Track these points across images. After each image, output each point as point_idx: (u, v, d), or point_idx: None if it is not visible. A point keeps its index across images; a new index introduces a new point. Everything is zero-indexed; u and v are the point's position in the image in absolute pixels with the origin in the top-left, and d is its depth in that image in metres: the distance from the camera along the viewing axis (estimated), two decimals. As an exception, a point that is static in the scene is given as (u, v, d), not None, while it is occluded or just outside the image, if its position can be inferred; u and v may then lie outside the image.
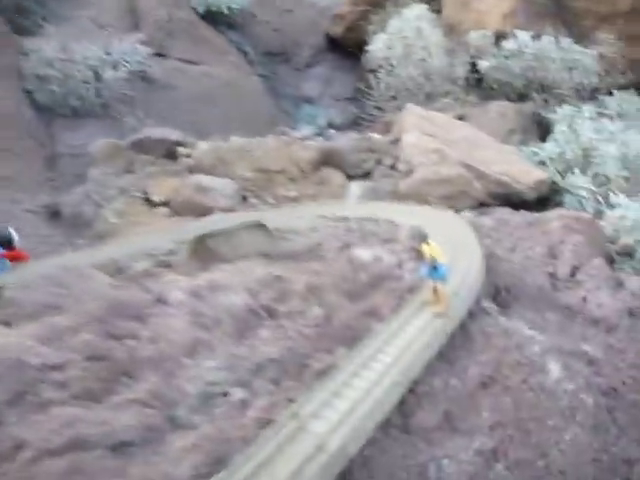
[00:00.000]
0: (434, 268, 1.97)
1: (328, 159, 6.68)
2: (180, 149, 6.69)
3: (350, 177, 6.36)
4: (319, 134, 7.30)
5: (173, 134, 6.93)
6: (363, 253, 2.64)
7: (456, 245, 2.75)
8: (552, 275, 3.04)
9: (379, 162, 6.76)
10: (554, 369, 2.01)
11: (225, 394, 1.58)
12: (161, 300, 2.07)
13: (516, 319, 2.27)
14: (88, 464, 1.28)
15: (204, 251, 3.37)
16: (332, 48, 11.41)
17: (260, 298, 2.11)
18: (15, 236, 3.37)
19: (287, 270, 2.45)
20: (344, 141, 7.09)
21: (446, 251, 2.12)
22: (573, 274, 3.39)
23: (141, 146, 6.62)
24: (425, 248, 1.96)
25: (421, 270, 2.00)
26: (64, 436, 1.33)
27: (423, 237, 2.71)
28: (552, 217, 4.47)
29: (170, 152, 6.64)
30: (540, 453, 1.66)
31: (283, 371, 1.72)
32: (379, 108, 9.15)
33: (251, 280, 2.25)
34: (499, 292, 2.58)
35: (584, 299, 3.17)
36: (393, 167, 6.53)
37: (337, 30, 11.09)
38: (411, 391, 1.69)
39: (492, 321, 2.15)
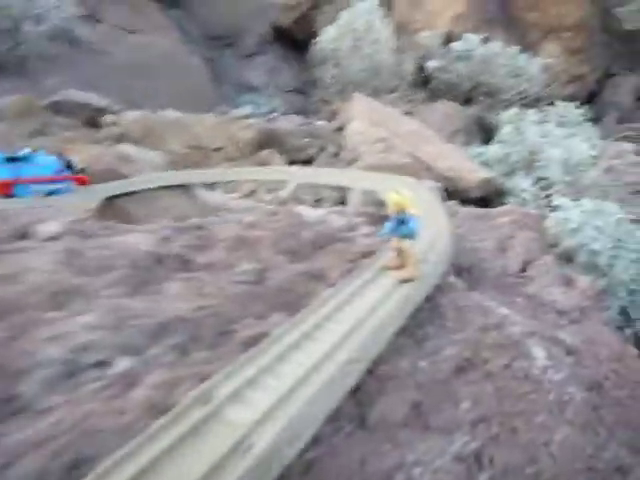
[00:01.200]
0: (401, 222, 1.51)
1: (269, 141, 6.20)
2: (106, 116, 5.97)
3: (292, 162, 5.91)
4: (261, 116, 6.82)
5: (98, 100, 6.20)
6: (307, 212, 2.13)
7: (422, 210, 2.34)
8: (503, 268, 2.70)
9: (323, 149, 6.35)
10: (539, 355, 1.62)
11: (102, 363, 1.05)
12: (27, 234, 1.49)
13: (488, 298, 1.88)
14: None
15: (112, 211, 2.80)
16: (279, 38, 10.92)
17: (172, 245, 1.56)
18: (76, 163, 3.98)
19: (212, 222, 1.92)
20: (287, 125, 6.63)
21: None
22: (524, 269, 3.09)
23: (60, 108, 5.83)
24: (392, 197, 1.49)
25: (385, 226, 1.52)
26: None
27: (380, 202, 2.30)
28: (501, 212, 4.22)
29: (93, 118, 5.90)
30: (529, 458, 1.25)
31: (195, 337, 1.19)
32: (325, 100, 8.79)
33: (161, 227, 1.71)
34: (462, 271, 2.19)
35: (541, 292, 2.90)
36: (337, 155, 6.13)
37: (285, 20, 10.62)
38: (370, 373, 1.23)
39: (464, 296, 1.74)
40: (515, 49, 7.78)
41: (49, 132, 5.36)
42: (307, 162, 5.97)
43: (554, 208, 5.55)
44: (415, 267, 1.46)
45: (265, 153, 5.68)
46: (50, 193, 3.71)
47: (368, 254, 1.70)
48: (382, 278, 1.51)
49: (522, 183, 5.92)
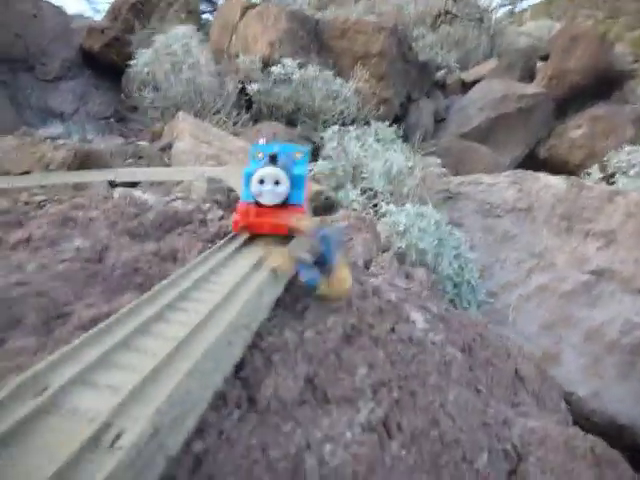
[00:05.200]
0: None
1: (87, 162, 5.50)
2: None
3: (114, 183, 5.34)
4: (73, 135, 6.12)
5: None
6: (146, 196, 1.82)
7: None
8: (354, 267, 2.70)
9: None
10: (418, 319, 1.54)
11: None
12: None
13: (357, 274, 1.78)
14: None
15: None
16: (88, 62, 10.02)
17: None
18: None
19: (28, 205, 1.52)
20: (106, 145, 6.04)
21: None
22: (367, 267, 3.18)
23: None
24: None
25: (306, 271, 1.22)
26: None
27: (224, 187, 2.13)
28: (338, 217, 4.30)
29: None
30: (431, 420, 1.12)
31: (13, 320, 0.84)
32: (145, 125, 8.29)
33: None
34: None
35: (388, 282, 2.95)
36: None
37: (94, 44, 9.79)
38: (254, 347, 1.01)
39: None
40: (329, 73, 8.21)
41: None
42: (132, 184, 5.46)
43: (382, 215, 5.87)
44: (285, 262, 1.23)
45: (83, 175, 5.04)
46: None
47: (225, 234, 1.49)
48: (250, 253, 1.30)
49: (350, 194, 6.15)
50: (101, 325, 0.79)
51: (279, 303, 1.22)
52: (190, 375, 0.72)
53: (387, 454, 0.97)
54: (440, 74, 10.26)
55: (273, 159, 1.23)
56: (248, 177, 1.25)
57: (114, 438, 0.55)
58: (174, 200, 1.68)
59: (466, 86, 9.85)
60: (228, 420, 0.83)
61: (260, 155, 1.37)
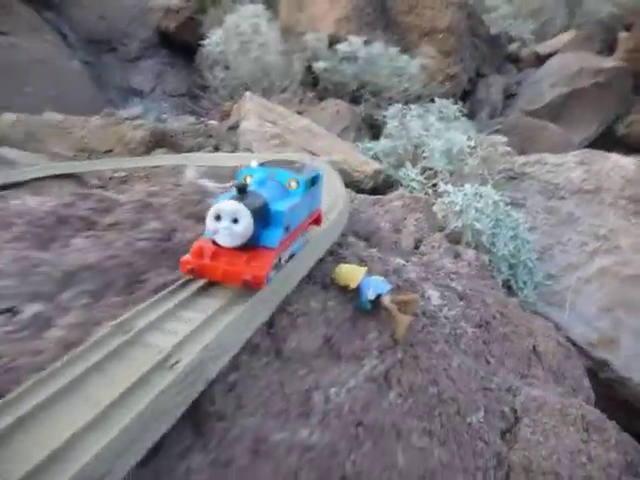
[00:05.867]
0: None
1: (161, 141, 6.02)
2: (-23, 120, 5.51)
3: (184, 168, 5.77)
4: (151, 117, 6.65)
5: (-36, 102, 5.70)
6: (209, 184, 2.14)
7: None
8: (398, 243, 2.91)
9: (217, 147, 6.32)
10: (433, 295, 1.78)
11: (11, 310, 1.02)
12: None
13: (386, 255, 2.02)
14: None
15: None
16: (164, 42, 10.60)
17: (75, 209, 1.51)
18: None
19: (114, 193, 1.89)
20: (179, 125, 6.52)
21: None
22: (417, 246, 3.36)
23: None
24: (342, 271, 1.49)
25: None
26: None
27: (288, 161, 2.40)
28: (392, 197, 4.50)
29: (-40, 122, 5.43)
30: (431, 380, 1.37)
31: (107, 284, 1.18)
32: (216, 103, 8.72)
33: (62, 194, 1.66)
34: (360, 237, 2.33)
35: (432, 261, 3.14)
36: (232, 152, 6.15)
37: (169, 24, 10.33)
38: (283, 311, 1.30)
39: (364, 250, 1.86)
40: (395, 50, 8.26)
41: None
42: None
43: (440, 194, 5.98)
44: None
45: (158, 153, 5.54)
46: None
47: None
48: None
49: (410, 173, 6.29)
50: (169, 288, 1.10)
51: (311, 277, 1.50)
52: (228, 327, 1.01)
53: (384, 400, 1.24)
54: (513, 47, 9.98)
55: (241, 191, 1.04)
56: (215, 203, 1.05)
57: (173, 363, 0.85)
58: (232, 187, 1.98)
59: (541, 60, 9.53)
60: (257, 363, 1.13)
61: (248, 179, 1.18)
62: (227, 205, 1.00)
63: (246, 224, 1.00)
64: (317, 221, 1.52)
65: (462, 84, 8.34)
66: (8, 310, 0.97)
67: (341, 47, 8.08)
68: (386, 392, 1.25)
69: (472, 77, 8.50)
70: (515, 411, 1.63)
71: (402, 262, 1.96)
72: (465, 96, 8.34)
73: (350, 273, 1.46)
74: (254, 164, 1.26)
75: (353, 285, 1.44)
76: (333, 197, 1.95)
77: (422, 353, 1.43)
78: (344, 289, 1.46)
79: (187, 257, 1.08)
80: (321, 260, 1.59)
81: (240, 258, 1.04)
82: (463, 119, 7.44)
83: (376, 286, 1.40)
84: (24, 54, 7.95)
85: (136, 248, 1.30)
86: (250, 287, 1.04)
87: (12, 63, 7.61)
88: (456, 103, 7.60)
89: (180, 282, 1.14)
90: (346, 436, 1.07)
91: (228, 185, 2.12)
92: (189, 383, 0.85)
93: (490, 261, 4.42)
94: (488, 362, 1.72)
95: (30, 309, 0.97)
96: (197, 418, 0.91)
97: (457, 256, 3.95)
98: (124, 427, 0.73)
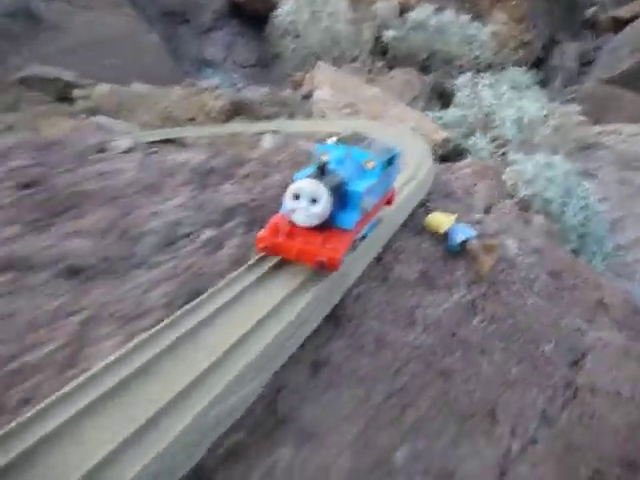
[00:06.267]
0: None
1: (240, 110, 6.38)
2: (76, 91, 6.07)
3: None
4: (229, 86, 7.02)
5: (65, 74, 6.27)
6: (308, 145, 2.49)
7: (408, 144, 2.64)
8: (470, 206, 3.11)
9: (292, 116, 6.64)
10: (511, 245, 2.01)
11: (192, 233, 1.35)
12: (104, 149, 1.76)
13: (468, 210, 2.26)
14: (32, 286, 1.00)
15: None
16: (235, 13, 10.94)
17: (216, 162, 1.86)
18: None
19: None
20: (255, 94, 6.88)
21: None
22: (487, 211, 3.53)
23: (30, 84, 5.86)
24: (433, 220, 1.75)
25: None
26: (-2, 254, 1.03)
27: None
28: (464, 165, 4.66)
29: (64, 93, 5.99)
30: (509, 312, 1.62)
31: (254, 219, 1.51)
32: (287, 72, 8.99)
33: (200, 151, 2.01)
34: (441, 196, 2.57)
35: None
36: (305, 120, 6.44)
37: (241, -5, 10.72)
38: (388, 248, 1.58)
39: (446, 204, 2.13)
40: (466, 18, 8.20)
41: (21, 108, 5.42)
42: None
43: (510, 163, 6.05)
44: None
45: (237, 121, 5.90)
46: None
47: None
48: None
49: (480, 142, 6.37)
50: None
51: (406, 225, 1.77)
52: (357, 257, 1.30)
53: (470, 322, 1.51)
54: (590, 12, 9.62)
55: (321, 169, 1.01)
56: (294, 182, 1.03)
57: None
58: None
59: (620, 25, 9.15)
60: (371, 285, 1.42)
61: (325, 157, 1.12)
62: (307, 185, 0.98)
63: (324, 205, 0.98)
64: (389, 201, 1.52)
65: (535, 51, 8.20)
66: (190, 234, 1.30)
67: (411, 15, 8.11)
68: (472, 317, 1.51)
69: (546, 44, 8.33)
70: (582, 347, 1.85)
71: (483, 216, 2.19)
72: (538, 64, 8.20)
73: (440, 220, 1.72)
74: (331, 141, 1.23)
75: (442, 231, 1.70)
76: (420, 157, 2.19)
77: (502, 290, 1.68)
78: (435, 234, 1.72)
79: (262, 234, 1.07)
80: (413, 213, 1.86)
81: (316, 238, 1.02)
82: (535, 87, 7.36)
83: (464, 231, 1.66)
84: (108, 28, 8.47)
85: (267, 195, 1.61)
86: (324, 268, 1.03)
87: (97, 37, 8.14)
88: (528, 71, 7.52)
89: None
90: (443, 343, 1.35)
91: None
92: (330, 296, 1.14)
93: (559, 230, 4.51)
94: (558, 306, 1.95)
95: (205, 234, 1.29)
96: (335, 318, 1.21)
97: (527, 222, 4.09)
98: (289, 322, 0.97)
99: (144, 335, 0.88)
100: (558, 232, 4.50)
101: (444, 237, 1.73)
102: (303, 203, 0.99)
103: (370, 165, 1.18)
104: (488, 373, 1.41)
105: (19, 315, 0.92)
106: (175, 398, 0.77)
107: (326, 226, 1.03)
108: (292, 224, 1.03)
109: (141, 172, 1.55)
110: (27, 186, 1.31)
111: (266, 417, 0.92)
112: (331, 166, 1.06)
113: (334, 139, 1.24)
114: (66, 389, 0.75)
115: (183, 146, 2.48)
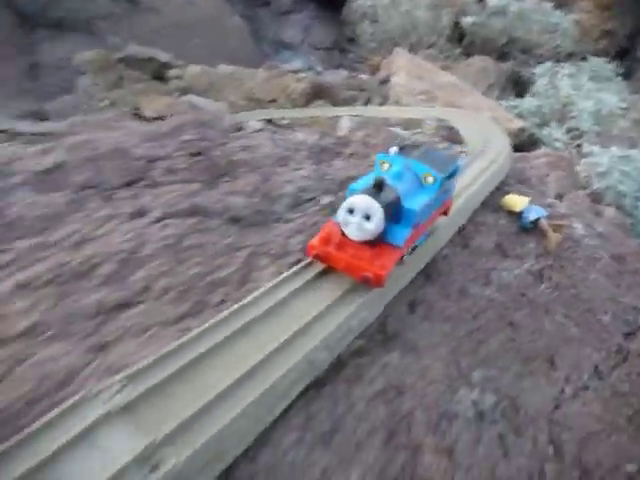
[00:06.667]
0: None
1: (320, 93, 6.70)
2: (171, 70, 6.59)
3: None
4: (309, 69, 7.36)
5: (161, 55, 6.81)
6: (400, 131, 2.83)
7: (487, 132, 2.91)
8: (542, 193, 3.31)
9: (369, 100, 6.91)
10: (578, 227, 2.25)
11: (315, 198, 1.71)
12: (240, 127, 2.16)
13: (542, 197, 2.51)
14: (211, 228, 1.38)
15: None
16: (313, -4, 11.31)
17: (326, 141, 2.23)
18: None
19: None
20: (334, 78, 7.18)
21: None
22: (559, 199, 3.67)
23: (130, 63, 6.46)
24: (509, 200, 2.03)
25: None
26: (185, 203, 1.43)
27: (448, 125, 2.93)
28: (538, 155, 4.82)
29: (159, 72, 6.53)
30: (572, 284, 1.88)
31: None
32: (364, 57, 9.23)
33: (311, 132, 2.38)
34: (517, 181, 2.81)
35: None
36: (382, 105, 6.69)
37: (321, -22, 10.97)
38: (470, 221, 1.89)
39: (521, 188, 2.39)
40: (549, 5, 8.13)
41: (123, 85, 5.99)
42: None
43: (585, 155, 6.09)
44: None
45: (317, 104, 6.23)
46: None
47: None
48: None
49: (554, 133, 6.40)
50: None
51: (485, 204, 2.06)
52: (444, 227, 1.60)
53: (537, 287, 1.79)
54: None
55: (378, 187, 1.01)
56: (350, 194, 1.04)
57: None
58: (416, 134, 2.58)
59: None
60: (455, 249, 1.72)
61: (385, 166, 1.16)
62: (361, 201, 0.99)
63: (377, 223, 1.00)
64: (445, 212, 1.53)
65: (618, 41, 8.03)
66: (313, 199, 1.64)
67: (491, 1, 8.13)
68: (539, 283, 1.79)
69: (631, 33, 8.12)
70: (638, 323, 2.08)
71: (552, 201, 2.44)
72: (622, 54, 8.03)
73: (516, 201, 1.99)
74: (393, 151, 1.22)
75: (517, 209, 1.97)
76: (500, 145, 2.45)
77: (567, 264, 1.94)
78: (510, 213, 2.00)
79: (314, 241, 1.11)
80: (491, 193, 2.14)
81: (365, 252, 1.06)
82: (618, 79, 7.25)
83: (536, 211, 1.93)
84: (197, 10, 8.99)
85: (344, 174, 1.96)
86: (369, 284, 1.07)
87: (187, 19, 8.67)
88: (611, 62, 7.41)
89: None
90: (513, 300, 1.64)
91: (413, 132, 2.72)
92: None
93: (632, 225, 4.57)
94: (619, 286, 2.18)
95: (325, 199, 1.64)
96: (427, 273, 1.53)
97: (598, 214, 4.22)
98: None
99: (288, 272, 1.16)
100: (630, 226, 4.56)
101: (518, 215, 2.00)
102: (356, 218, 1.01)
103: (429, 180, 1.18)
104: (550, 329, 1.69)
105: (206, 247, 1.29)
106: (319, 314, 1.06)
107: (377, 240, 1.05)
108: (344, 235, 1.07)
109: (275, 148, 1.91)
110: (196, 154, 1.70)
111: (379, 333, 1.26)
112: (389, 180, 1.08)
113: (396, 149, 1.24)
114: (234, 307, 1.06)
115: (287, 127, 2.85)
